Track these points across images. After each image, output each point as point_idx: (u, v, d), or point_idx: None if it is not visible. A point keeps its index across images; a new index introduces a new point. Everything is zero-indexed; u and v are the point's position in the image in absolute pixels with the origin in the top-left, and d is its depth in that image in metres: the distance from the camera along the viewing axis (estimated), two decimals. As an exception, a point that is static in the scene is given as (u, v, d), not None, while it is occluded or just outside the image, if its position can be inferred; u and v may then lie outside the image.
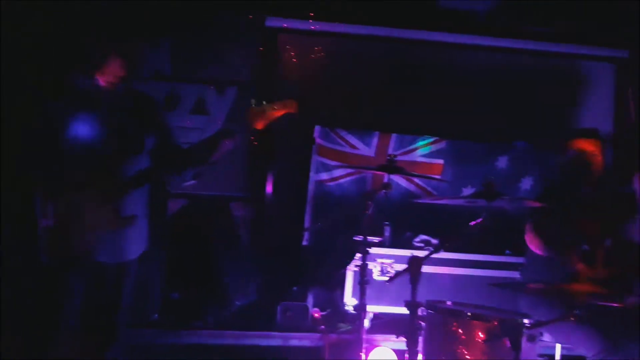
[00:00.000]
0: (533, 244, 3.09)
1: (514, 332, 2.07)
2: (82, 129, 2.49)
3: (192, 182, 2.70)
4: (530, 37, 4.57)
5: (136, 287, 2.70)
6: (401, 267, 2.64)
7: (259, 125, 2.52)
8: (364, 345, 3.20)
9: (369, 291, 3.41)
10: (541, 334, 2.51)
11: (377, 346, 3.40)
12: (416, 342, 2.43)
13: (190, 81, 4.43)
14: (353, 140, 4.37)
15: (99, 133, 2.51)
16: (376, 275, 3.68)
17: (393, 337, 3.30)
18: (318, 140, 4.31)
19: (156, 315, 3.55)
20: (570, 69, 4.70)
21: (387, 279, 3.01)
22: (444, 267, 3.75)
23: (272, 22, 4.45)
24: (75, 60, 2.78)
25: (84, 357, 2.52)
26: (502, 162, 4.40)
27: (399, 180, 4.34)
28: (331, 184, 4.34)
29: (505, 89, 4.56)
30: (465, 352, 2.46)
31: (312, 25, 4.48)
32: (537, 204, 2.99)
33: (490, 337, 2.27)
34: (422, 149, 4.39)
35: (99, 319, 2.55)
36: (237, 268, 3.78)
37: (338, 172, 4.34)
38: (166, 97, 4.40)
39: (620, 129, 4.56)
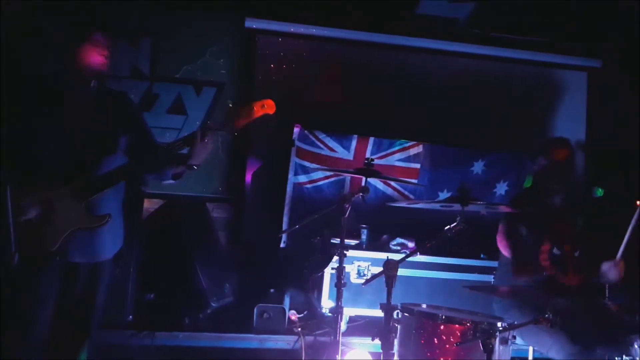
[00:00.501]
0: (502, 247, 3.17)
1: (486, 335, 2.11)
2: (54, 126, 2.46)
3: (171, 182, 2.67)
4: (506, 45, 4.67)
5: (111, 288, 2.67)
6: (378, 269, 2.66)
7: (237, 125, 2.51)
8: (341, 347, 3.22)
9: (346, 294, 3.42)
10: (514, 337, 2.57)
11: (353, 349, 3.41)
12: (391, 345, 2.46)
13: (168, 80, 4.40)
14: (332, 143, 4.39)
15: (72, 130, 2.48)
16: (353, 278, 3.71)
17: (369, 339, 3.32)
18: (297, 143, 4.31)
19: (131, 316, 3.51)
20: (545, 77, 4.80)
21: (363, 281, 3.02)
22: (421, 270, 3.80)
23: (251, 23, 4.45)
24: (48, 51, 2.75)
25: (57, 358, 2.49)
26: (477, 167, 4.47)
27: (376, 183, 4.37)
28: (309, 186, 4.35)
29: (481, 95, 4.65)
30: (439, 355, 2.50)
31: (292, 28, 4.50)
32: (510, 209, 3.06)
33: (463, 340, 2.30)
34: (399, 153, 4.43)
35: (73, 320, 2.52)
36: (213, 269, 3.76)
37: (316, 175, 4.35)
38: (144, 96, 4.37)
39: (593, 136, 4.68)
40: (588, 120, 4.77)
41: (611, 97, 4.68)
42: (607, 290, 2.92)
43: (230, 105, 2.66)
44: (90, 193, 2.44)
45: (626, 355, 2.52)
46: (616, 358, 2.51)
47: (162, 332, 3.45)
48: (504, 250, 3.17)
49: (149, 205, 3.98)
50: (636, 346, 2.57)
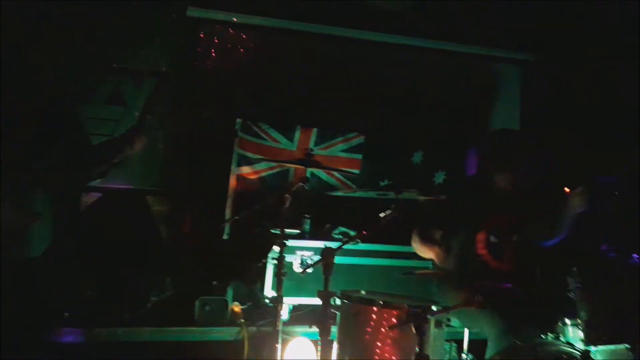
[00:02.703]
0: (421, 252, 3.28)
1: (419, 318, 2.17)
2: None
3: (99, 180, 2.63)
4: (445, 38, 4.77)
5: (45, 284, 2.59)
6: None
7: None
8: (283, 336, 3.24)
9: (289, 283, 3.46)
10: (448, 320, 2.65)
11: (296, 337, 3.43)
12: (328, 331, 2.49)
13: (107, 70, 4.26)
14: (275, 134, 4.38)
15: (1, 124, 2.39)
16: (296, 268, 3.72)
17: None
18: (239, 134, 4.28)
19: (67, 313, 3.41)
20: (482, 70, 4.95)
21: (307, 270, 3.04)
22: (363, 257, 3.86)
23: (194, 12, 4.36)
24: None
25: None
26: (417, 158, 4.56)
27: (320, 174, 4.40)
28: (253, 177, 4.32)
29: (420, 87, 4.74)
30: (375, 339, 2.55)
31: (235, 17, 4.45)
32: (447, 197, 3.16)
33: (397, 324, 2.36)
34: (342, 144, 4.47)
35: (6, 318, 2.43)
36: (154, 263, 3.70)
37: (260, 166, 4.33)
38: (80, 87, 4.22)
39: (526, 128, 4.86)
40: (522, 112, 4.95)
41: (543, 90, 4.88)
42: (537, 273, 3.06)
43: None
44: (21, 190, 2.36)
45: (551, 333, 2.64)
46: (542, 335, 2.63)
47: (100, 329, 3.37)
48: (424, 254, 3.29)
49: (87, 198, 3.87)
50: (560, 323, 2.70)
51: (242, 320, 3.59)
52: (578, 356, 2.46)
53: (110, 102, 4.27)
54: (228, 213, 4.18)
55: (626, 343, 2.61)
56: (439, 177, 4.58)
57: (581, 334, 2.63)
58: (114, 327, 3.40)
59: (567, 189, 3.23)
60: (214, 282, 3.82)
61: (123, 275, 3.60)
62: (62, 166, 2.49)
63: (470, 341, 3.13)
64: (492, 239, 3.23)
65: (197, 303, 3.55)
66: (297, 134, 4.40)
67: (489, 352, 2.82)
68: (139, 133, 2.52)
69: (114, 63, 4.23)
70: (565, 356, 2.48)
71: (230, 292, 3.76)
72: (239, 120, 4.29)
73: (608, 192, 3.39)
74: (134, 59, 4.29)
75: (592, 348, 2.58)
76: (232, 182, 4.26)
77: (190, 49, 4.39)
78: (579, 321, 2.64)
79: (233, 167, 4.26)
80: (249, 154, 4.30)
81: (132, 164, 3.91)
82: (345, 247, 2.98)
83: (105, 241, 3.64)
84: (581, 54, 4.69)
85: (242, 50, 4.46)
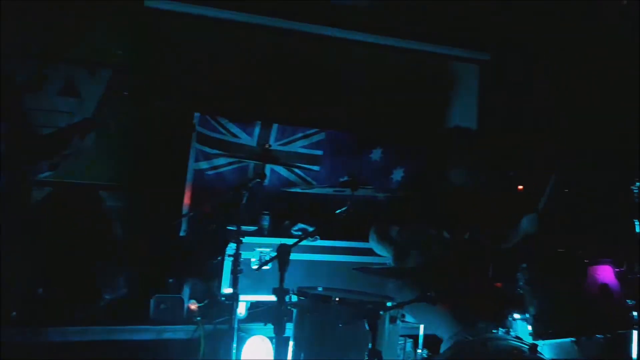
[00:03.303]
0: (378, 249, 3.32)
1: (371, 315, 2.18)
2: None
3: (48, 172, 2.53)
4: (405, 36, 4.81)
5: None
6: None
7: None
8: (240, 334, 3.21)
9: (247, 280, 3.44)
10: (403, 316, 2.67)
11: (252, 335, 3.41)
12: (283, 328, 2.48)
13: (60, 60, 4.12)
14: (234, 129, 4.32)
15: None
16: (254, 265, 3.68)
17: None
18: (197, 128, 4.20)
19: (14, 312, 3.28)
20: (441, 68, 5.00)
21: (262, 267, 3.02)
22: (321, 254, 3.86)
23: (151, 3, 4.26)
24: None
25: None
26: (375, 155, 4.58)
27: (280, 170, 4.37)
28: (211, 172, 4.25)
29: (381, 84, 4.76)
30: (330, 336, 2.56)
31: (195, 10, 4.36)
32: (404, 194, 3.18)
33: (350, 320, 2.37)
34: (302, 140, 4.45)
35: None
36: (107, 260, 3.60)
37: (218, 161, 4.26)
38: (32, 77, 4.07)
39: (483, 127, 4.95)
40: (479, 111, 5.03)
41: (499, 89, 4.98)
42: (490, 270, 3.11)
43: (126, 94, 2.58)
44: None
45: (502, 327, 2.70)
46: (493, 330, 2.68)
47: (50, 328, 3.27)
48: (381, 250, 3.33)
49: (37, 193, 3.74)
50: (510, 318, 2.77)
51: (199, 318, 3.54)
52: (526, 350, 2.52)
53: (64, 93, 4.13)
54: (185, 209, 4.10)
55: (571, 337, 2.69)
56: (397, 174, 4.61)
57: (530, 328, 2.70)
58: (65, 327, 3.31)
59: (520, 187, 3.31)
60: (170, 280, 3.76)
61: (74, 272, 3.49)
62: (4, 158, 2.37)
63: (425, 336, 3.18)
64: (446, 235, 3.29)
65: (152, 301, 3.49)
66: (257, 130, 4.35)
67: (442, 346, 2.86)
68: (89, 125, 2.43)
69: (67, 53, 4.12)
70: (515, 350, 2.53)
71: (186, 290, 3.70)
72: (197, 114, 4.21)
73: (559, 189, 3.49)
74: (88, 50, 4.18)
75: (540, 342, 2.65)
76: (190, 177, 4.17)
77: (148, 41, 4.28)
78: (528, 316, 2.71)
79: (191, 162, 4.18)
80: (207, 149, 4.22)
81: (85, 158, 3.83)
82: (304, 243, 2.98)
83: (55, 237, 3.53)
84: (537, 54, 4.80)
85: (201, 43, 4.38)
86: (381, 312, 2.26)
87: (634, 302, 2.68)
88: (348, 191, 2.81)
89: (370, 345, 2.23)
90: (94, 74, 4.23)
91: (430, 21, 4.78)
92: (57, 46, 4.12)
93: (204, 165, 4.23)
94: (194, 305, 3.66)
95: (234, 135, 4.32)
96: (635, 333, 2.85)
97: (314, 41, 4.63)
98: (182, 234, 4.05)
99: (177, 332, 3.48)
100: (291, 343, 2.75)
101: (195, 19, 4.38)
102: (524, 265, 2.75)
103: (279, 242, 2.75)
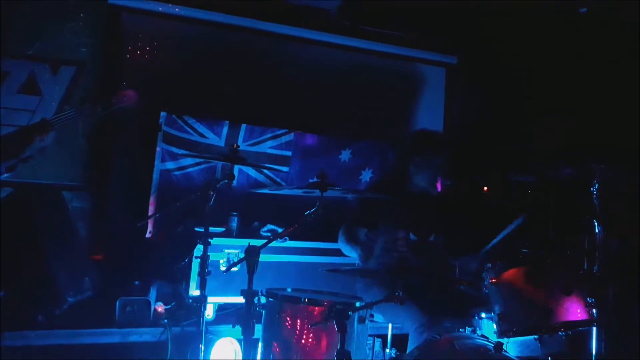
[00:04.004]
0: (347, 250, 3.35)
1: (339, 315, 2.20)
2: None
3: (7, 174, 2.45)
4: (373, 38, 4.85)
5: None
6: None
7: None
8: (208, 336, 3.18)
9: (215, 282, 3.41)
10: (372, 316, 2.70)
11: (221, 337, 3.38)
12: (252, 330, 2.47)
13: (21, 57, 4.00)
14: (202, 129, 4.27)
15: None
16: (223, 266, 3.66)
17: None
18: (164, 128, 4.13)
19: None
20: (408, 71, 5.07)
21: (233, 269, 3.01)
22: (290, 255, 3.87)
23: (117, 0, 4.18)
24: None
25: None
26: (345, 155, 4.60)
27: (249, 170, 4.35)
28: (178, 173, 4.20)
29: (349, 85, 4.80)
30: (299, 336, 2.56)
31: (160, 7, 4.30)
32: (372, 195, 3.21)
33: (319, 321, 2.39)
34: (271, 141, 4.44)
35: None
36: (71, 262, 3.51)
37: (185, 161, 4.21)
38: (-8, 73, 3.95)
39: (449, 128, 5.03)
40: (445, 114, 5.11)
41: (465, 92, 5.07)
42: (456, 270, 3.18)
43: (88, 107, 2.57)
44: None
45: (469, 326, 2.77)
46: (460, 329, 2.74)
47: (11, 332, 3.17)
48: (350, 251, 3.36)
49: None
50: (476, 317, 2.84)
51: (166, 320, 3.50)
52: (491, 347, 2.58)
53: (25, 91, 4.02)
54: (151, 210, 4.04)
55: (534, 334, 2.77)
56: (366, 175, 4.65)
57: (495, 327, 2.77)
58: (26, 330, 3.22)
59: (485, 188, 3.38)
60: (136, 282, 3.70)
61: (37, 275, 3.40)
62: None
63: (393, 336, 3.22)
64: (412, 237, 3.34)
65: (118, 303, 3.43)
66: (225, 130, 4.32)
67: (410, 341, 2.91)
68: (50, 124, 2.36)
69: (29, 50, 4.01)
70: (481, 349, 2.59)
71: (153, 292, 3.65)
72: (163, 113, 4.15)
73: (523, 191, 3.59)
74: (51, 47, 4.07)
75: (504, 339, 2.72)
76: (156, 178, 4.11)
77: (112, 38, 4.20)
78: (493, 315, 2.78)
79: (157, 162, 4.12)
80: (174, 149, 4.16)
81: (48, 158, 3.73)
82: (273, 244, 2.98)
83: (17, 239, 3.43)
84: (503, 58, 4.89)
85: (167, 41, 4.32)
86: (350, 313, 2.27)
87: (593, 300, 2.77)
88: (317, 192, 2.81)
89: (339, 346, 2.24)
90: (57, 71, 4.13)
91: (397, 24, 4.84)
92: (19, 42, 4.01)
93: (170, 165, 4.17)
94: (160, 308, 3.61)
95: (202, 135, 4.27)
96: (594, 330, 2.96)
97: (282, 41, 4.62)
98: (147, 235, 3.99)
99: (144, 335, 3.42)
100: (260, 345, 2.75)
101: (162, 16, 4.31)
102: (489, 265, 2.82)
103: (248, 244, 2.74)
